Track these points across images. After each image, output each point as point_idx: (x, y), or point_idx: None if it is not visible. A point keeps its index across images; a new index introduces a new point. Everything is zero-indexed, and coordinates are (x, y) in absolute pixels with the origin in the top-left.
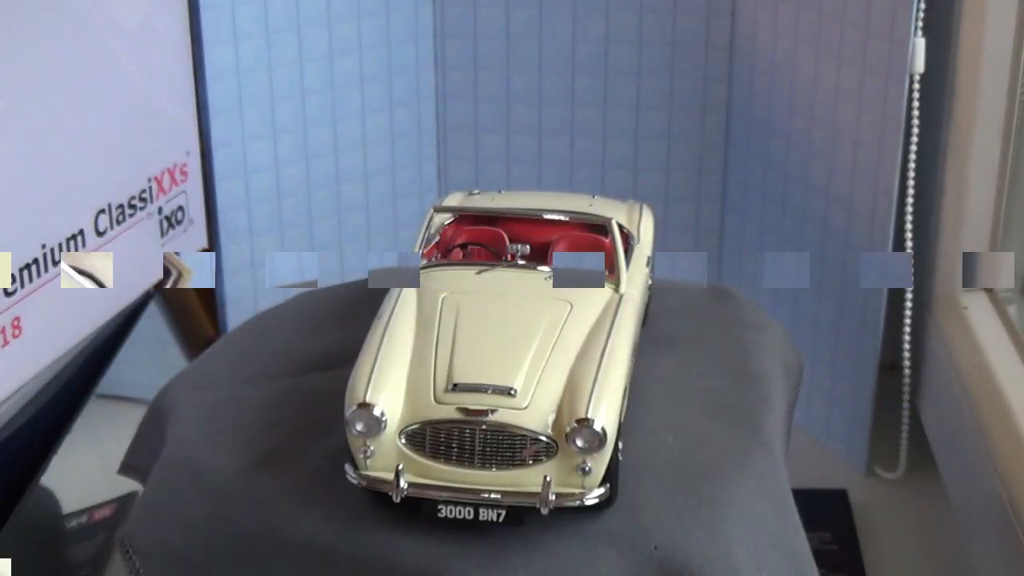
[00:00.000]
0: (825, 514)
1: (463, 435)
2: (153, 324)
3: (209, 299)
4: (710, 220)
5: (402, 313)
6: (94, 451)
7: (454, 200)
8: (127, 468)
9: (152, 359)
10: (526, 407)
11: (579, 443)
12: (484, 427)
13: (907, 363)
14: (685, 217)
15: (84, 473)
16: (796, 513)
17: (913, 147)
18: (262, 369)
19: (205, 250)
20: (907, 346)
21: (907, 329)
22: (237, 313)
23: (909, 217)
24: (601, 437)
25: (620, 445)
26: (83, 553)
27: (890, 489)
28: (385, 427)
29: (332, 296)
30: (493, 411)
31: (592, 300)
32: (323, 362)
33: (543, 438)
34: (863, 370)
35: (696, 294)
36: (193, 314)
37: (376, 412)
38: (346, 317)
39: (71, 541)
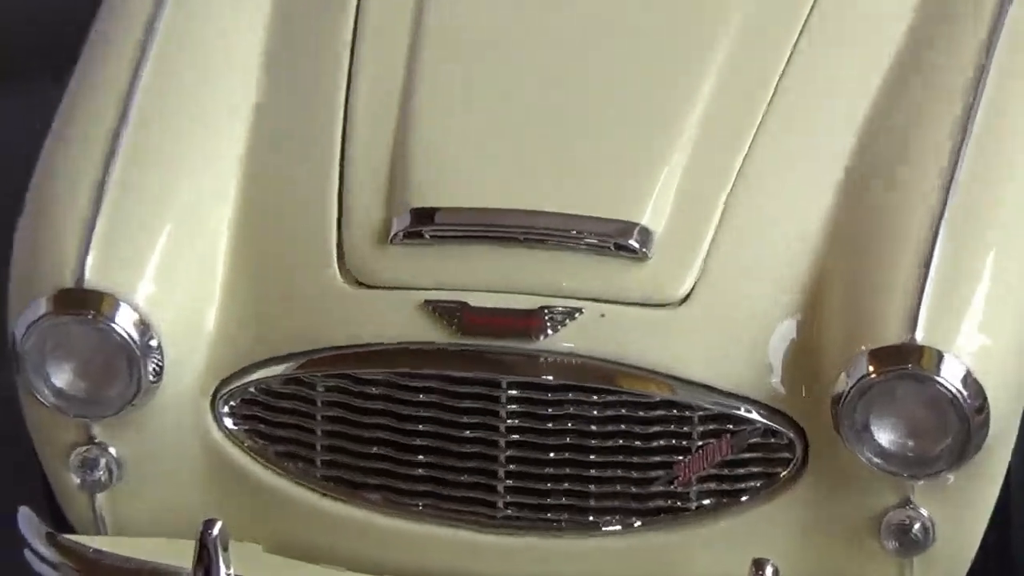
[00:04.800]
0: None
1: (465, 407)
2: None
3: None
4: None
5: None
6: None
7: None
8: None
9: None
10: (687, 298)
11: (884, 440)
12: (540, 375)
13: None
14: None
15: None
16: None
17: None
18: None
19: None
20: None
21: None
22: None
23: None
24: (966, 411)
25: None
26: None
27: None
28: (161, 374)
29: None
30: (562, 319)
31: None
32: None
33: (754, 414)
34: None
35: None
36: None
37: (123, 321)
38: None
39: None
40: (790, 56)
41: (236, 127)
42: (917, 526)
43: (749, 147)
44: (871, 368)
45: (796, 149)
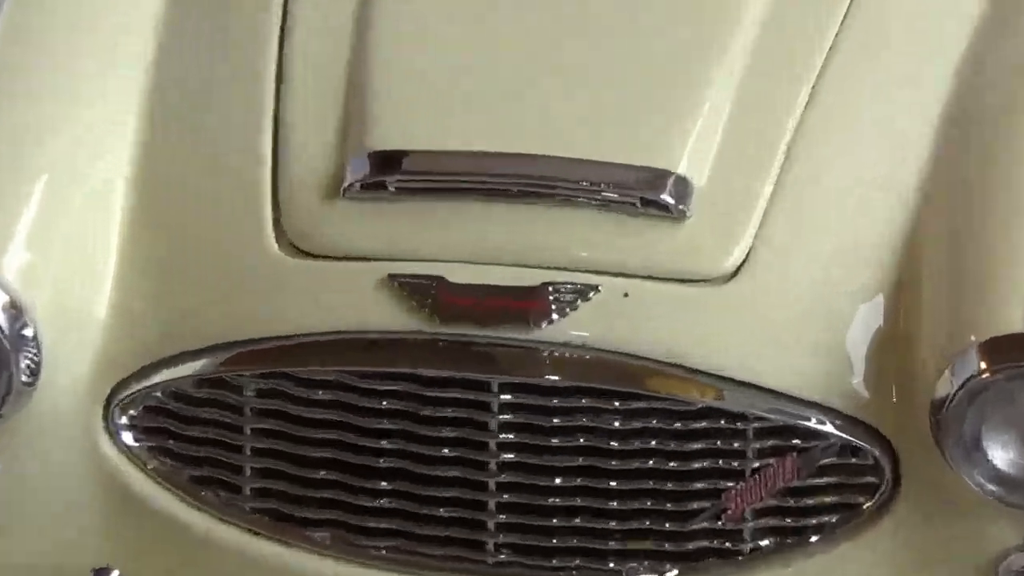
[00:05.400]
0: None
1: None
2: None
3: None
4: None
5: None
6: None
7: None
8: None
9: None
10: (737, 272)
11: (1000, 460)
12: (542, 375)
13: None
14: None
15: None
16: None
17: None
18: None
19: None
20: None
21: None
22: None
23: None
24: None
25: None
26: None
27: None
28: (37, 373)
29: None
30: (572, 300)
31: None
32: None
33: (828, 425)
34: None
35: None
36: None
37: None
38: None
39: None
40: None
41: (131, 62)
42: None
43: (817, 81)
44: (983, 365)
45: (877, 89)
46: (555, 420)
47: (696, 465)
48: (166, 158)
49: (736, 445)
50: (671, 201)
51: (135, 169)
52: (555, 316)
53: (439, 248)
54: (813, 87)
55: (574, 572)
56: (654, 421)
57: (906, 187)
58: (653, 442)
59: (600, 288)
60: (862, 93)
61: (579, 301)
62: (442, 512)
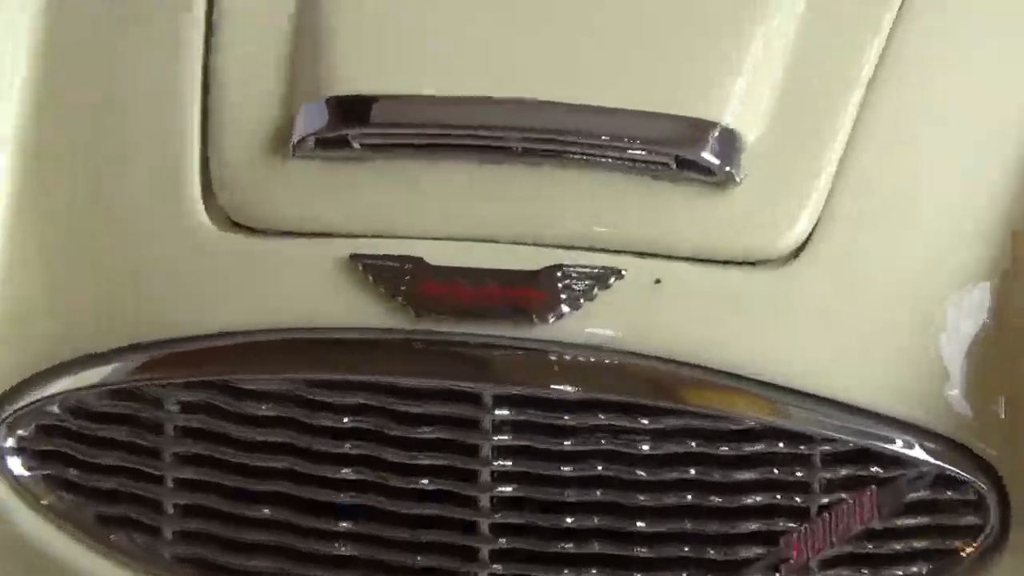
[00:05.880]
0: None
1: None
2: None
3: None
4: None
5: None
6: None
7: None
8: None
9: None
10: (800, 251)
11: None
12: (549, 384)
13: None
14: None
15: None
16: None
17: None
18: None
19: None
20: None
21: None
22: None
23: None
24: None
25: None
26: None
27: None
28: None
29: None
30: (589, 288)
31: None
32: None
33: (917, 449)
34: None
35: None
36: None
37: None
38: None
39: None
40: None
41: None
42: None
43: (897, 22)
44: None
45: (972, 31)
46: (566, 443)
47: (748, 501)
48: (62, 118)
49: (799, 475)
50: (715, 161)
51: (22, 132)
52: (565, 309)
53: (415, 221)
54: (891, 29)
55: None
56: (694, 444)
57: (1013, 156)
58: (692, 471)
59: (624, 273)
60: (952, 43)
61: (597, 289)
62: (419, 561)
